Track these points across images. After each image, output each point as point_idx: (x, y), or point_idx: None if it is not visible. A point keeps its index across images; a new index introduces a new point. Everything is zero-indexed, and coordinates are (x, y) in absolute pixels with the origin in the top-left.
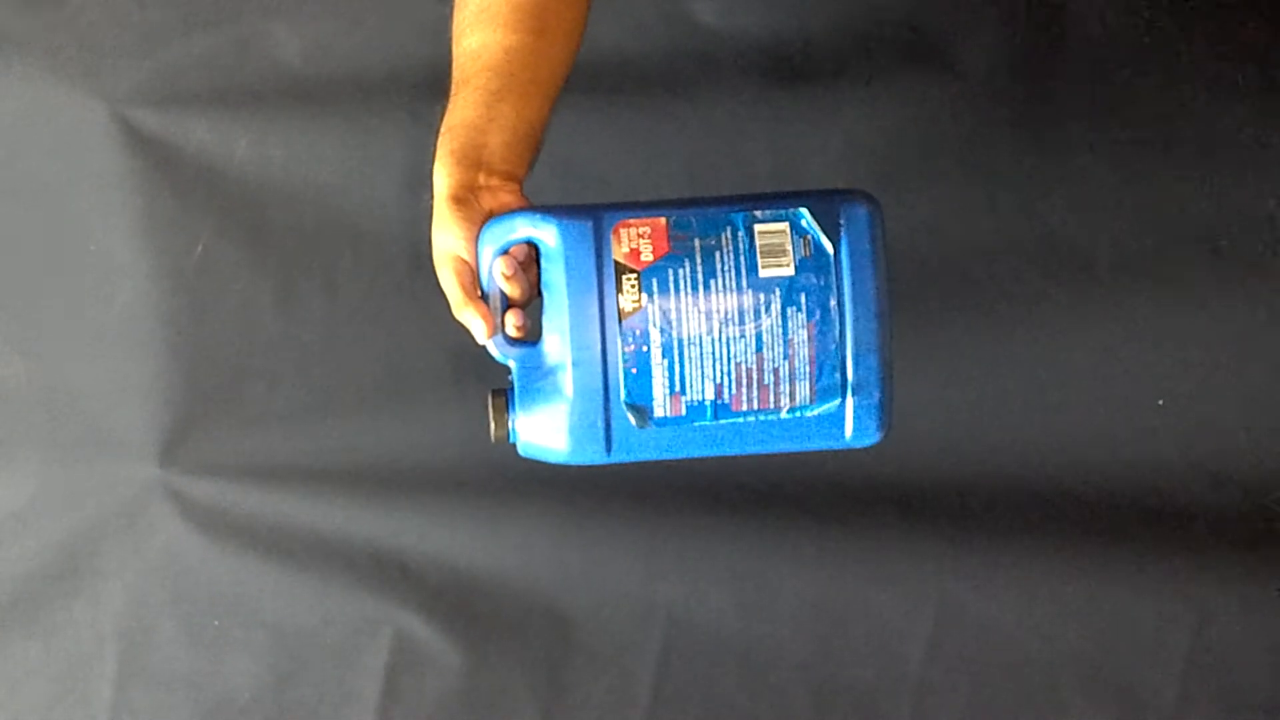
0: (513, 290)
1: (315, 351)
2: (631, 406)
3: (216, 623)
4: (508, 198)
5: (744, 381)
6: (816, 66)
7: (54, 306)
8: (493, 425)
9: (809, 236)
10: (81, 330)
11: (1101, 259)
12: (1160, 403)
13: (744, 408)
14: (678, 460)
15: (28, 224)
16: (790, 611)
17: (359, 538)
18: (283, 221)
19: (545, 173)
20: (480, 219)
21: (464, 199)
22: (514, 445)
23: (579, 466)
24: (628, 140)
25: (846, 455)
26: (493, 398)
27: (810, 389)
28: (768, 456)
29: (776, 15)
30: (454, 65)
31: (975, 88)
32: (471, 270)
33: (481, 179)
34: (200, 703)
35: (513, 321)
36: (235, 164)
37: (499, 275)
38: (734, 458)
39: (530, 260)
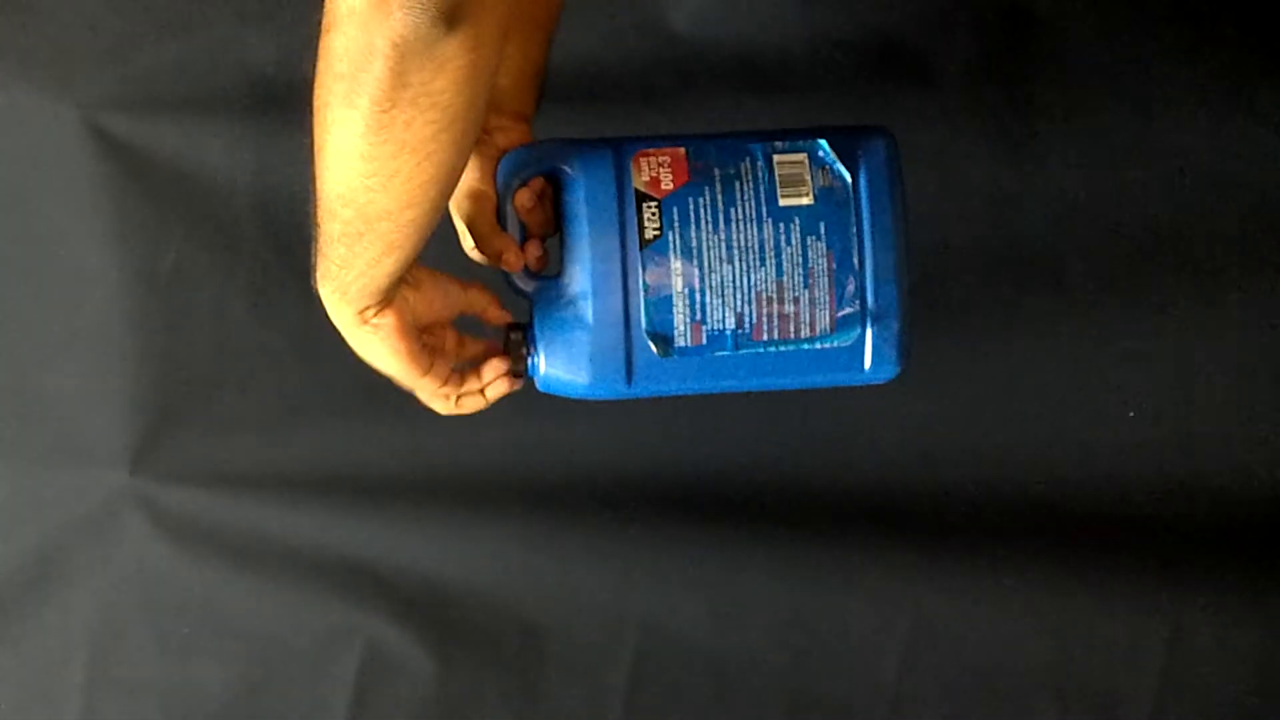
0: (533, 222)
1: (287, 359)
2: (653, 335)
3: (186, 630)
4: (519, 136)
5: (765, 310)
6: (791, 76)
7: (24, 312)
8: (511, 362)
9: (828, 167)
10: (52, 336)
11: (1073, 269)
12: (1131, 414)
13: (764, 337)
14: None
15: None
16: (764, 622)
17: (330, 546)
18: (255, 228)
19: None
20: (497, 155)
21: (479, 139)
22: (532, 380)
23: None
24: None
25: (819, 466)
26: (510, 333)
27: (830, 318)
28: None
29: (751, 25)
30: None
31: (948, 97)
32: (493, 204)
33: (493, 120)
34: (170, 711)
35: (533, 253)
36: (207, 170)
37: (521, 207)
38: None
39: (546, 195)
